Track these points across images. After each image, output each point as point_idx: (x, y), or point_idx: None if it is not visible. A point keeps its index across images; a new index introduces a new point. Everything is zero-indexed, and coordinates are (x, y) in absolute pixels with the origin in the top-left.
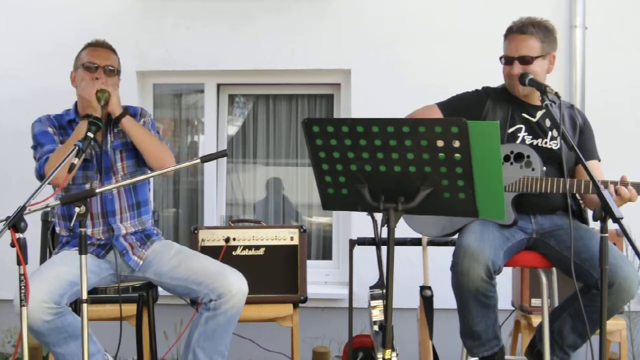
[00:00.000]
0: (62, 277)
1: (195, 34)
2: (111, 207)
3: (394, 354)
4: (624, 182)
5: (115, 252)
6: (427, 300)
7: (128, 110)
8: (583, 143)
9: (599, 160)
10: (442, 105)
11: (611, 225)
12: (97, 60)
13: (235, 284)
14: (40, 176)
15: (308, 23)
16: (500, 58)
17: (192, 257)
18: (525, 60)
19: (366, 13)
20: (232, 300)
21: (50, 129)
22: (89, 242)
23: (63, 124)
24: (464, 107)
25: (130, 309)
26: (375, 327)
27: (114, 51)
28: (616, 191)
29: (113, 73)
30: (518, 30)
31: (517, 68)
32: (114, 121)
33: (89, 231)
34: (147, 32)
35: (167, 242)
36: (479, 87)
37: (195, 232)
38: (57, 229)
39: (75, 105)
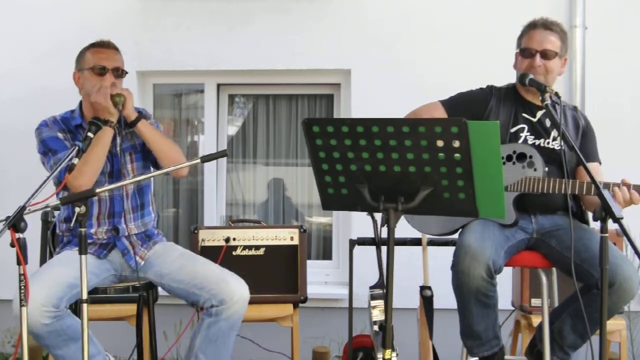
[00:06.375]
0: (62, 279)
1: (195, 34)
2: (119, 208)
3: (394, 354)
4: (625, 185)
5: (118, 251)
6: (427, 300)
7: (142, 113)
8: (585, 145)
9: (600, 163)
10: (445, 103)
11: (611, 225)
12: (105, 63)
13: (237, 290)
14: (58, 183)
15: (308, 23)
16: (521, 51)
17: (195, 261)
18: (548, 55)
19: (366, 13)
20: (233, 306)
21: (60, 134)
22: (90, 241)
23: (71, 129)
24: (467, 105)
25: (130, 309)
26: (375, 327)
27: (118, 50)
28: (622, 194)
29: (121, 75)
30: (543, 25)
31: (539, 61)
32: (124, 124)
33: (92, 230)
34: (147, 32)
35: (169, 244)
36: (484, 86)
37: (195, 232)
38: (58, 231)
39: (79, 106)
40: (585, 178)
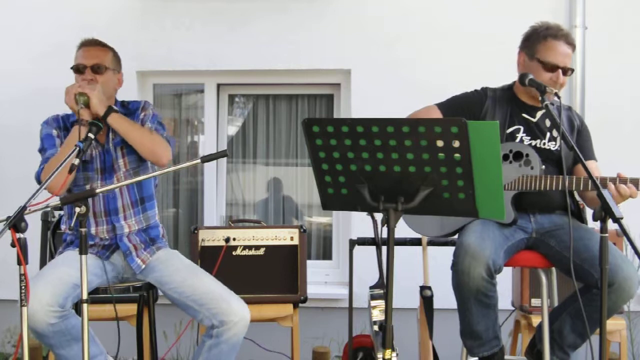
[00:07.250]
0: (67, 279)
1: (195, 34)
2: (114, 205)
3: (394, 354)
4: (622, 179)
5: (120, 253)
6: (427, 300)
7: (113, 108)
8: (581, 144)
9: (596, 161)
10: (441, 106)
11: (611, 225)
12: (84, 61)
13: (238, 312)
14: (39, 182)
15: (308, 23)
16: (544, 63)
17: (197, 276)
18: (568, 72)
19: (366, 13)
20: (234, 328)
21: (54, 131)
22: (92, 242)
23: (67, 126)
24: (463, 107)
25: (131, 309)
26: (375, 327)
27: (105, 46)
28: (616, 189)
29: (101, 71)
30: (564, 38)
31: (562, 78)
32: None
33: (92, 230)
34: (147, 32)
35: (173, 253)
36: (479, 88)
37: (195, 232)
38: (63, 227)
39: None
40: (584, 176)
